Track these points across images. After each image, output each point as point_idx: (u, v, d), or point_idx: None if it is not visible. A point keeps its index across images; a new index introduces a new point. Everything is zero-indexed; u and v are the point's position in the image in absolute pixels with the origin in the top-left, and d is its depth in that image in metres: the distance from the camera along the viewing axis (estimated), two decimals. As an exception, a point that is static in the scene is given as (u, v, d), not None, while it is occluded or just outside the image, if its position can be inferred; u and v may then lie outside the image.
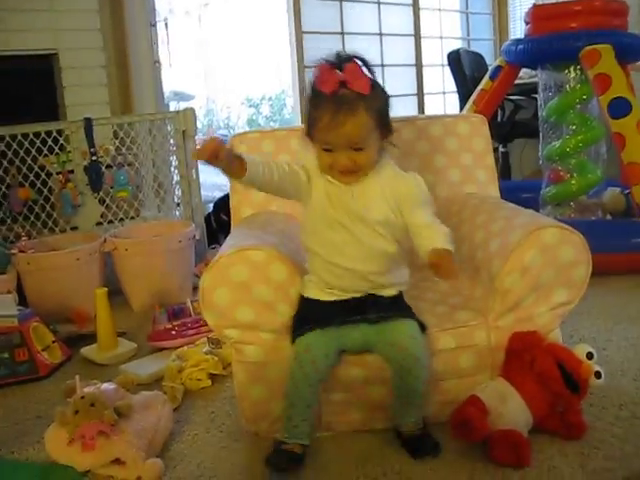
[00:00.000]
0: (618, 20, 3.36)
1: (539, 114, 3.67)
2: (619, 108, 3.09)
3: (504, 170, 4.79)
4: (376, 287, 1.62)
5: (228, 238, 1.82)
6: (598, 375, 1.66)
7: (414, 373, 1.58)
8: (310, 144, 1.56)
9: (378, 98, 1.53)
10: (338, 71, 1.47)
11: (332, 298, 1.62)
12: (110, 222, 3.31)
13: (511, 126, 4.58)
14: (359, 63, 1.50)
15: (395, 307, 1.64)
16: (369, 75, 1.51)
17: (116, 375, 1.98)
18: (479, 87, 3.88)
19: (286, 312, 1.65)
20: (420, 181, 1.59)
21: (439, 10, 5.47)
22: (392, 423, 1.69)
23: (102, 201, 3.26)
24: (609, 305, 2.60)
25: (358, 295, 1.62)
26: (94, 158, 3.12)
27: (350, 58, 1.50)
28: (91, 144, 3.10)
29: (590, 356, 1.68)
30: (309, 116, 1.53)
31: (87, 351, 2.43)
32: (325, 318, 1.60)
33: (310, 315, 1.62)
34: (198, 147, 1.46)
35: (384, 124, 1.54)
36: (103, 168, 3.18)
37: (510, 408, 1.62)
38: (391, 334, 1.59)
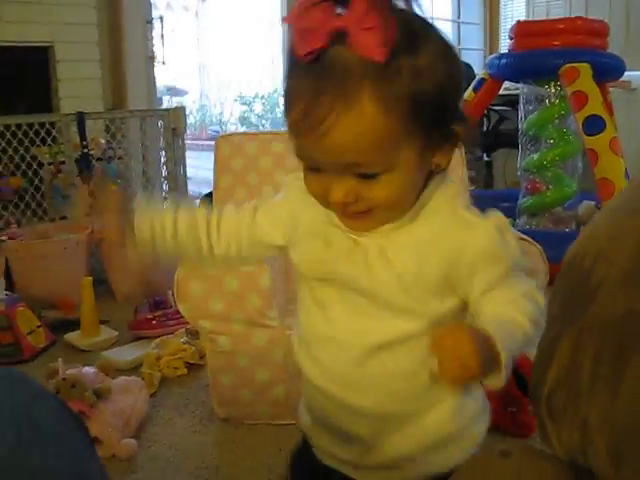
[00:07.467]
0: (598, 40, 3.47)
1: (519, 126, 3.77)
2: (593, 125, 3.19)
3: (487, 179, 4.89)
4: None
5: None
6: (549, 377, 1.77)
7: None
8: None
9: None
10: (337, 9, 0.69)
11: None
12: (99, 213, 3.37)
13: (495, 136, 4.66)
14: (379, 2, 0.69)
15: None
16: (395, 25, 0.69)
17: (97, 361, 2.08)
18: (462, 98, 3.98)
19: (255, 303, 1.72)
20: (497, 231, 0.80)
21: (431, 18, 5.56)
22: None
23: (92, 193, 3.34)
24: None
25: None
26: (85, 151, 3.21)
27: None
28: (83, 137, 3.19)
29: (542, 359, 1.79)
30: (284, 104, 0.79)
31: (71, 337, 2.52)
32: None
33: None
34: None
35: (435, 121, 0.75)
36: (94, 161, 3.27)
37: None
38: None
